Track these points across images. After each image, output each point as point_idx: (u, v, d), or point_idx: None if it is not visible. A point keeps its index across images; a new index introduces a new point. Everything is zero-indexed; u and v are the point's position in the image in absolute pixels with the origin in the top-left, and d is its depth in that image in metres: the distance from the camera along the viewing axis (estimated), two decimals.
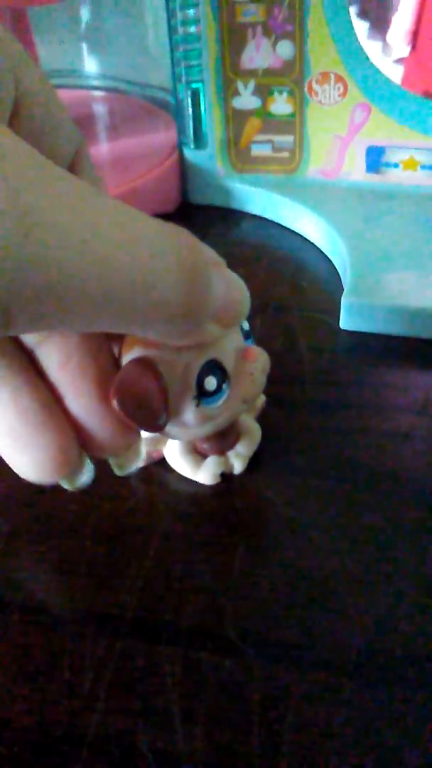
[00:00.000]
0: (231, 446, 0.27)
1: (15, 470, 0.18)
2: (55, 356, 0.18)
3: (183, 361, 0.19)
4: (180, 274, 0.15)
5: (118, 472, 0.20)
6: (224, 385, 0.21)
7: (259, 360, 0.22)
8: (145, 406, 0.18)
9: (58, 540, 0.26)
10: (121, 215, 0.14)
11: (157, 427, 0.19)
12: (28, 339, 0.18)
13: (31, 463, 0.18)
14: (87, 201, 0.13)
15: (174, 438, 0.25)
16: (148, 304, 0.14)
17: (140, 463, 0.21)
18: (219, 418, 0.22)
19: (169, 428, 0.21)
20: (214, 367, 0.20)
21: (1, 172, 0.12)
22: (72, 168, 0.19)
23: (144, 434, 0.21)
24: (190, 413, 0.20)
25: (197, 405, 0.20)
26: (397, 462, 0.28)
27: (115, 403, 0.18)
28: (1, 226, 0.12)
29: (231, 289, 0.18)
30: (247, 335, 0.23)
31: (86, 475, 0.19)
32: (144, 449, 0.21)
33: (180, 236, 0.16)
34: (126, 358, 0.19)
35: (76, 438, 0.18)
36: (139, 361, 0.19)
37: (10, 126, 0.16)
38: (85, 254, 0.13)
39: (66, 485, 0.19)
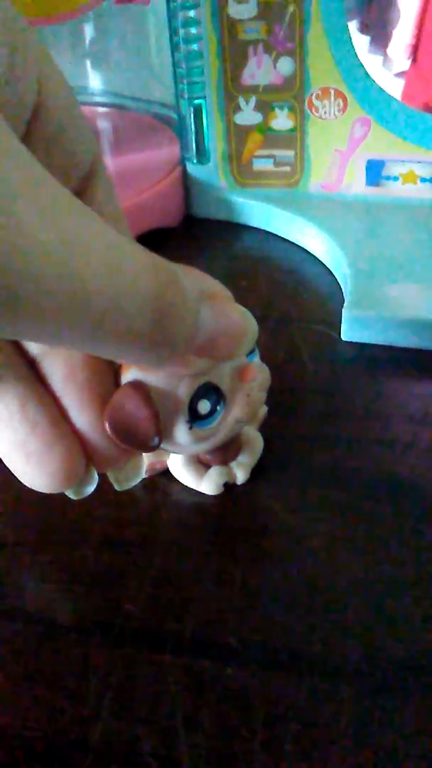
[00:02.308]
0: (233, 456, 0.28)
1: (23, 481, 0.18)
2: (60, 369, 0.18)
3: (175, 386, 0.19)
4: (154, 305, 0.15)
5: (117, 486, 0.21)
6: (219, 407, 0.21)
7: (258, 379, 0.22)
8: (135, 430, 0.19)
9: (62, 550, 0.26)
10: (104, 237, 0.14)
11: (149, 448, 0.20)
12: (33, 349, 0.18)
13: (42, 475, 0.18)
14: (74, 218, 0.13)
15: (173, 453, 0.25)
16: (119, 329, 0.14)
17: (140, 478, 0.21)
18: (215, 437, 0.22)
19: (164, 446, 0.21)
20: (209, 389, 0.20)
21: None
22: (89, 176, 0.19)
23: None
24: (182, 435, 0.20)
25: (190, 428, 0.20)
26: (398, 471, 0.28)
27: (107, 426, 0.18)
28: None
29: (225, 326, 0.18)
30: (250, 351, 0.22)
31: (91, 486, 0.20)
32: (144, 465, 0.21)
33: (160, 271, 0.15)
34: (123, 379, 0.19)
35: (82, 450, 0.18)
36: (131, 386, 0.19)
37: (29, 130, 0.17)
38: (63, 270, 0.13)
39: (72, 495, 0.19)
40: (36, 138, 0.17)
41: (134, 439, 0.19)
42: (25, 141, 0.17)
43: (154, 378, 0.19)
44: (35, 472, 0.18)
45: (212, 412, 0.21)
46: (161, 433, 0.19)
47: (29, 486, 0.18)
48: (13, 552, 0.26)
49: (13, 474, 0.18)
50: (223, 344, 0.18)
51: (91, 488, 0.20)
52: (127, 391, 0.19)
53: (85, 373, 0.18)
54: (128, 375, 0.19)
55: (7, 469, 0.18)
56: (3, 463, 0.18)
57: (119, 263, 0.14)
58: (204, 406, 0.20)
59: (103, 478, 0.20)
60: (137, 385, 0.19)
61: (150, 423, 0.19)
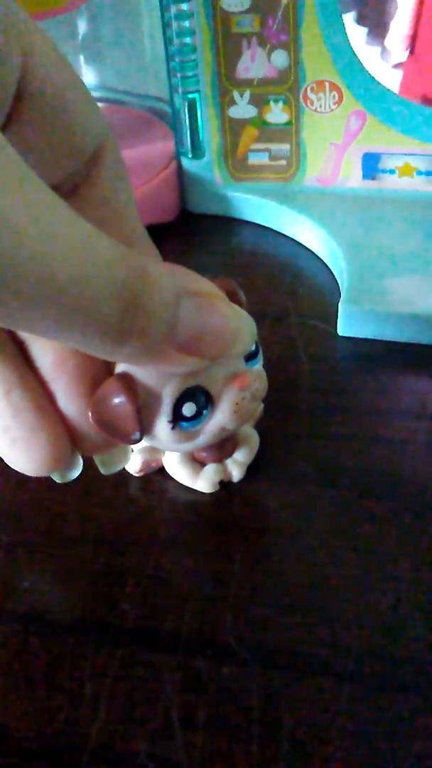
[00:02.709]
0: (229, 454, 0.28)
1: (9, 464, 0.19)
2: (50, 354, 0.18)
3: (163, 383, 0.19)
4: (121, 295, 0.15)
5: (102, 470, 0.21)
6: (205, 411, 0.20)
7: (252, 388, 0.21)
8: (117, 424, 0.19)
9: (59, 549, 0.26)
10: (79, 228, 0.14)
11: (131, 441, 0.20)
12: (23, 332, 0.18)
13: (27, 460, 0.18)
14: (50, 207, 0.13)
15: (162, 449, 0.25)
16: (85, 318, 0.14)
17: (126, 462, 0.21)
18: (198, 439, 0.21)
19: (147, 441, 0.21)
20: (198, 392, 0.20)
21: None
22: (94, 160, 0.18)
23: (142, 443, 0.21)
24: (164, 434, 0.20)
25: (172, 428, 0.20)
26: (396, 467, 0.28)
27: (90, 417, 0.18)
28: None
29: (213, 321, 0.17)
30: (253, 355, 0.22)
31: (76, 470, 0.20)
32: (130, 450, 0.21)
33: (130, 262, 0.15)
34: (115, 371, 0.19)
35: (68, 436, 0.19)
36: (118, 378, 0.19)
37: (14, 109, 0.16)
38: (37, 255, 0.13)
39: (57, 479, 0.20)
40: (23, 120, 0.16)
41: (116, 432, 0.19)
42: (9, 124, 0.16)
43: (142, 373, 0.19)
44: (20, 457, 0.18)
45: (197, 415, 0.20)
46: (143, 429, 0.19)
47: (15, 468, 0.19)
48: (9, 552, 0.26)
49: (6, 474, 0.18)
50: (210, 342, 0.17)
51: (76, 473, 0.20)
52: (113, 384, 0.19)
53: (76, 360, 0.18)
54: (119, 368, 0.19)
55: (2, 469, 0.19)
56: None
57: (90, 252, 0.14)
58: (189, 409, 0.20)
59: (99, 479, 0.20)
60: (124, 378, 0.19)
61: (132, 418, 0.19)
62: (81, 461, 0.20)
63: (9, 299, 0.13)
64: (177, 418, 0.20)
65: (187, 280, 0.17)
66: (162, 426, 0.20)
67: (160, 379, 0.19)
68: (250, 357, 0.21)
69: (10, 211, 0.13)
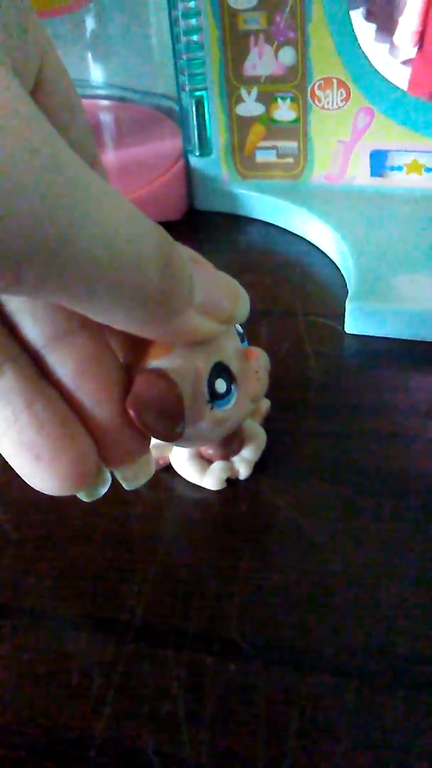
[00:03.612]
0: (236, 451, 0.28)
1: (31, 483, 0.18)
2: (72, 363, 0.18)
3: (192, 368, 0.20)
4: (160, 256, 0.16)
5: (126, 486, 0.20)
6: (233, 387, 0.21)
7: (261, 357, 0.23)
8: (162, 415, 0.19)
9: (66, 546, 0.26)
10: (121, 197, 0.15)
11: (175, 435, 0.19)
12: (35, 339, 0.18)
13: (52, 477, 0.17)
14: (101, 183, 0.14)
15: (189, 446, 0.25)
16: (133, 279, 0.15)
17: (148, 477, 0.21)
18: (230, 420, 0.22)
19: (187, 434, 0.21)
20: (221, 369, 0.21)
21: (44, 135, 0.13)
22: None
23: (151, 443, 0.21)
24: (204, 419, 0.21)
25: (211, 408, 0.21)
26: (403, 465, 0.28)
27: (132, 414, 0.18)
28: (45, 181, 0.12)
29: (217, 282, 0.18)
30: (242, 338, 0.23)
31: (105, 486, 0.19)
32: (153, 462, 0.21)
33: (163, 233, 0.16)
34: (136, 370, 0.19)
35: (95, 450, 0.18)
36: (151, 371, 0.19)
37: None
38: (99, 220, 0.14)
39: (84, 497, 0.19)
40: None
41: (161, 424, 0.19)
42: None
43: (169, 362, 0.19)
44: (45, 475, 0.17)
45: (228, 392, 0.21)
46: (185, 418, 0.19)
47: (38, 489, 0.18)
48: (17, 550, 0.26)
49: (15, 473, 0.18)
50: (222, 301, 0.18)
51: (104, 489, 0.19)
52: (149, 376, 0.19)
53: (98, 366, 0.18)
54: (142, 365, 0.19)
55: (9, 467, 0.18)
56: (5, 462, 0.18)
57: (135, 216, 0.15)
58: (220, 385, 0.21)
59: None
60: (157, 371, 0.19)
61: (175, 404, 0.19)
62: (108, 477, 0.19)
63: (77, 270, 0.14)
64: (213, 397, 0.20)
65: (189, 250, 0.18)
66: (201, 410, 0.20)
67: (188, 362, 0.19)
68: (241, 339, 0.23)
69: (82, 187, 0.13)
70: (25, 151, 0.12)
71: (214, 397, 0.21)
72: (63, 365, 0.18)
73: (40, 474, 0.17)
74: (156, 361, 0.19)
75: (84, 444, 0.17)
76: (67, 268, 0.13)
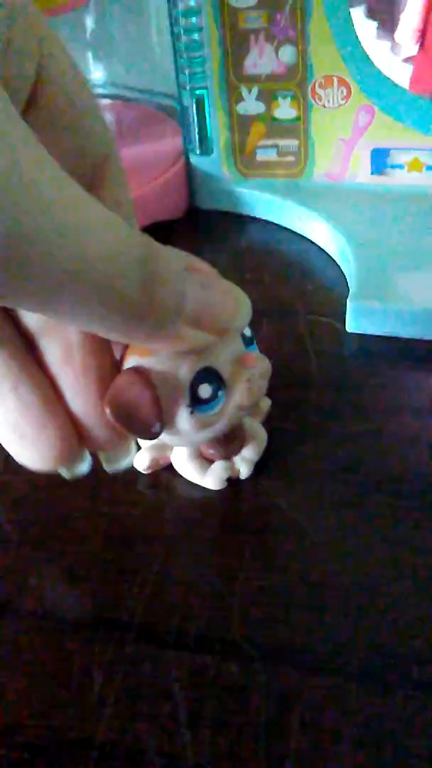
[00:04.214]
0: (237, 451, 0.27)
1: (16, 459, 0.19)
2: (58, 350, 0.18)
3: (175, 371, 0.20)
4: (140, 271, 0.15)
5: (107, 467, 0.21)
6: (220, 393, 0.21)
7: (258, 366, 0.22)
8: (136, 416, 0.19)
9: (67, 546, 0.26)
10: (100, 210, 0.15)
11: (151, 434, 0.20)
12: (30, 327, 0.18)
13: (34, 455, 0.18)
14: (74, 188, 0.14)
15: (173, 444, 0.25)
16: (109, 294, 0.15)
17: (131, 459, 0.21)
18: (216, 424, 0.22)
19: (166, 435, 0.21)
20: (209, 374, 0.20)
21: (6, 148, 0.12)
22: (98, 169, 0.19)
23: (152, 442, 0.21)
24: (184, 421, 0.21)
25: (191, 413, 0.20)
26: (404, 465, 0.28)
27: (108, 413, 0.18)
28: (5, 197, 0.12)
29: (214, 295, 0.18)
30: (249, 341, 0.23)
31: (84, 464, 0.20)
32: (134, 446, 0.21)
33: (145, 242, 0.16)
34: (124, 366, 0.19)
35: (75, 431, 0.19)
36: (132, 371, 0.19)
37: (25, 112, 0.17)
38: (68, 234, 0.13)
39: (65, 474, 0.20)
40: (39, 116, 0.17)
41: (135, 424, 0.19)
42: (25, 118, 0.17)
43: (154, 362, 0.19)
44: (28, 453, 0.18)
45: (213, 398, 0.21)
46: (162, 420, 0.19)
47: (23, 464, 0.19)
48: (17, 549, 0.26)
49: (15, 471, 0.18)
50: (215, 314, 0.18)
51: (84, 468, 0.20)
52: (128, 376, 0.19)
53: (82, 355, 0.18)
54: (129, 362, 0.19)
55: (10, 466, 0.19)
56: (5, 460, 0.18)
57: (112, 230, 0.15)
58: (205, 391, 0.20)
59: (106, 477, 0.20)
60: (138, 371, 0.19)
61: (151, 408, 0.19)
62: (89, 456, 0.20)
63: (41, 278, 0.13)
64: (194, 402, 0.20)
65: (186, 257, 0.18)
66: (181, 413, 0.20)
67: (173, 365, 0.19)
68: (248, 343, 0.22)
69: (42, 187, 0.13)
70: None
71: (196, 401, 0.20)
72: (51, 352, 0.18)
73: (24, 451, 0.18)
74: (141, 359, 0.19)
75: (64, 427, 0.18)
76: (31, 281, 0.13)
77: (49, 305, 0.14)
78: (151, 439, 0.20)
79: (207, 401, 0.21)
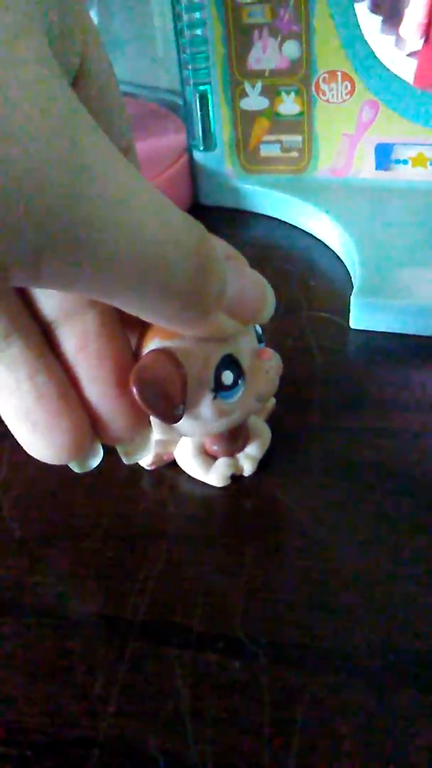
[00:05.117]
0: (241, 448, 0.27)
1: (28, 450, 0.18)
2: (74, 339, 0.18)
3: (201, 354, 0.20)
4: (192, 259, 0.15)
5: (125, 459, 0.21)
6: (240, 381, 0.21)
7: (274, 359, 0.23)
8: (163, 394, 0.19)
9: (70, 543, 0.26)
10: (155, 194, 0.15)
11: (173, 417, 0.19)
12: (48, 313, 0.18)
13: (47, 446, 0.18)
14: (131, 174, 0.14)
15: (188, 434, 0.25)
16: (161, 279, 0.15)
17: (148, 452, 0.21)
18: (234, 414, 0.22)
19: (183, 422, 0.21)
20: (231, 362, 0.21)
21: (69, 130, 0.13)
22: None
23: (156, 434, 0.21)
24: (206, 406, 0.21)
25: (214, 398, 0.21)
26: (408, 461, 0.28)
27: (134, 389, 0.18)
28: (61, 178, 0.12)
29: (248, 285, 0.18)
30: (259, 339, 0.23)
31: (96, 459, 0.20)
32: (153, 439, 0.21)
33: (198, 228, 0.16)
34: (146, 349, 0.19)
35: (89, 423, 0.19)
36: (160, 351, 0.19)
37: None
38: (124, 219, 0.13)
39: (76, 468, 0.20)
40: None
41: (160, 403, 0.19)
42: None
43: (179, 344, 0.19)
44: (40, 443, 0.18)
45: (234, 385, 0.21)
46: (186, 401, 0.19)
47: (34, 455, 0.19)
48: (21, 546, 0.26)
49: (19, 468, 0.18)
50: (249, 303, 0.18)
51: (95, 462, 0.20)
52: (156, 354, 0.19)
53: (98, 343, 0.18)
54: (152, 344, 0.19)
55: (14, 463, 0.18)
56: (9, 458, 0.18)
57: (167, 215, 0.15)
58: (227, 377, 0.21)
59: (110, 472, 0.20)
60: (166, 351, 0.19)
61: (178, 386, 0.19)
62: (101, 450, 0.20)
63: (101, 263, 0.13)
64: (218, 387, 0.20)
65: (223, 245, 0.18)
66: (204, 398, 0.20)
67: (199, 348, 0.19)
68: (259, 340, 0.23)
69: (101, 171, 0.13)
70: (52, 148, 0.12)
71: (219, 387, 0.21)
72: (67, 341, 0.18)
73: (36, 442, 0.18)
74: (167, 342, 0.19)
75: (79, 418, 0.18)
76: (87, 263, 0.13)
77: (105, 289, 0.14)
78: (171, 422, 0.20)
79: (228, 388, 0.21)
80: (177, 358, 0.19)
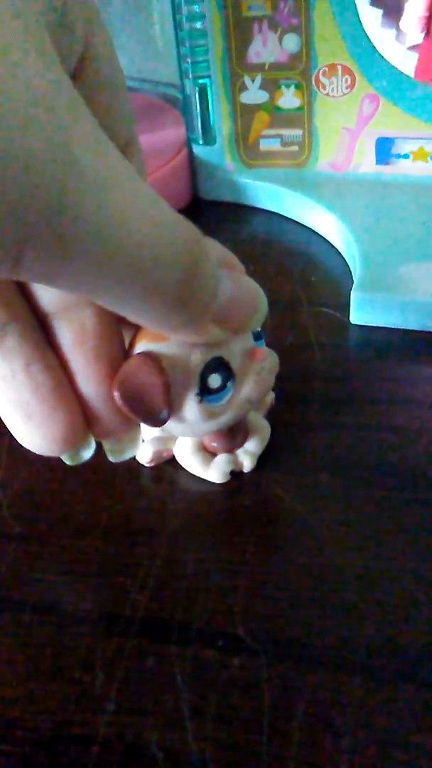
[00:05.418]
0: (240, 444, 0.27)
1: (21, 441, 0.18)
2: (71, 333, 0.18)
3: (187, 358, 0.19)
4: (184, 261, 0.15)
5: (111, 457, 0.21)
6: (229, 384, 0.21)
7: (267, 360, 0.22)
8: (146, 400, 0.19)
9: (70, 540, 0.26)
10: (147, 192, 0.15)
11: (157, 421, 0.19)
12: (46, 304, 0.18)
13: (41, 437, 0.18)
14: (122, 169, 0.14)
15: (178, 434, 0.25)
16: (149, 280, 0.15)
17: (135, 451, 0.21)
18: (223, 416, 0.21)
19: (171, 424, 0.21)
20: (219, 365, 0.20)
21: (60, 121, 0.12)
22: (125, 149, 0.19)
23: (152, 430, 0.21)
24: (192, 410, 0.20)
25: (199, 402, 0.20)
26: (407, 457, 0.28)
27: (116, 396, 0.18)
28: (48, 171, 0.12)
29: (240, 293, 0.18)
30: (258, 336, 0.23)
31: (88, 452, 0.20)
32: (140, 438, 0.21)
33: (191, 229, 0.16)
34: (134, 350, 0.19)
35: (83, 416, 0.19)
36: (144, 356, 0.19)
37: (75, 81, 0.16)
38: (112, 215, 0.13)
39: (68, 460, 0.19)
40: (81, 90, 0.17)
41: (143, 409, 0.19)
42: None
43: (166, 348, 0.19)
44: (34, 434, 0.18)
45: (222, 388, 0.21)
46: (171, 406, 0.19)
47: (27, 446, 0.19)
48: (20, 543, 0.26)
49: (18, 465, 0.18)
50: (239, 313, 0.18)
51: (87, 454, 0.20)
52: (140, 360, 0.19)
53: (95, 340, 0.18)
54: (139, 346, 0.19)
55: (13, 460, 0.18)
56: (8, 454, 0.18)
57: (159, 214, 0.15)
58: (214, 381, 0.20)
59: (110, 469, 0.20)
60: (149, 355, 0.19)
61: (161, 394, 0.19)
62: (93, 443, 0.20)
63: (85, 259, 0.13)
64: (203, 391, 0.20)
65: (219, 250, 0.18)
66: (189, 402, 0.20)
67: (185, 352, 0.19)
68: (256, 338, 0.23)
69: (92, 164, 0.13)
70: (39, 139, 0.12)
71: (205, 391, 0.20)
72: (63, 335, 0.18)
73: (30, 433, 0.18)
74: (152, 345, 0.19)
75: (73, 411, 0.18)
76: (70, 258, 0.13)
77: (89, 286, 0.14)
78: (157, 426, 0.20)
79: (216, 391, 0.21)
80: (160, 365, 0.19)
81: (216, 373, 0.20)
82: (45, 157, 0.12)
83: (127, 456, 0.21)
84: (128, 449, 0.21)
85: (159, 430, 0.21)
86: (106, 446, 0.20)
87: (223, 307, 0.17)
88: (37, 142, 0.12)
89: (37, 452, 0.19)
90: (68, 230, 0.13)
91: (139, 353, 0.19)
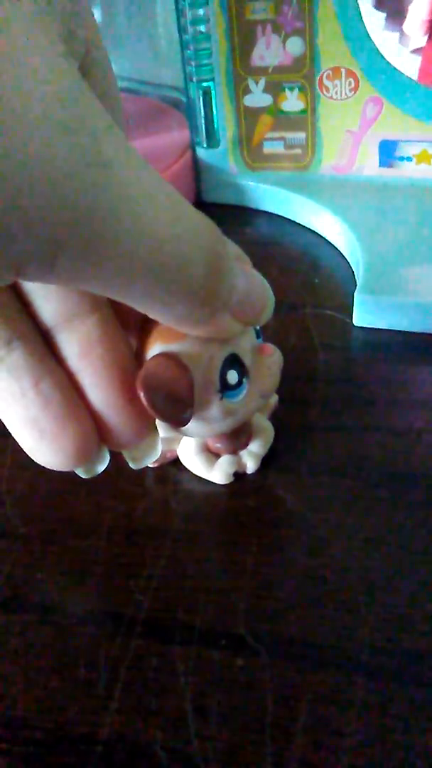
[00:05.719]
0: (244, 445, 0.27)
1: (33, 457, 0.18)
2: (76, 345, 0.18)
3: (205, 355, 0.20)
4: (207, 258, 0.16)
5: (132, 465, 0.21)
6: (244, 380, 0.21)
7: (275, 355, 0.23)
8: (172, 398, 0.19)
9: (73, 541, 0.26)
10: (171, 191, 0.15)
11: (182, 420, 0.19)
12: (48, 318, 0.18)
13: (54, 453, 0.18)
14: (148, 170, 0.14)
15: (195, 435, 0.25)
16: (176, 277, 0.15)
17: (156, 456, 0.21)
18: (239, 412, 0.22)
19: (190, 424, 0.21)
20: (234, 361, 0.21)
21: (89, 124, 0.13)
22: None
23: (160, 432, 0.21)
24: (214, 407, 0.21)
25: (220, 398, 0.21)
26: (410, 459, 0.28)
27: (142, 396, 0.18)
28: (82, 173, 0.12)
29: (253, 286, 0.18)
30: (257, 334, 0.23)
31: (103, 464, 0.20)
32: (160, 443, 0.21)
33: (211, 225, 0.16)
34: (149, 353, 0.19)
35: (96, 429, 0.18)
36: (165, 355, 0.19)
37: None
38: (141, 215, 0.14)
39: (83, 474, 0.19)
40: None
41: (170, 407, 0.19)
42: None
43: (183, 347, 0.19)
44: (47, 450, 0.18)
45: (239, 384, 0.21)
46: (194, 404, 0.19)
47: (40, 462, 0.18)
48: (24, 543, 0.26)
49: (22, 465, 0.18)
50: (253, 306, 0.18)
51: (101, 467, 0.20)
52: (162, 359, 0.19)
53: (102, 348, 0.18)
54: (155, 348, 0.19)
55: (17, 461, 0.18)
56: (12, 455, 0.18)
57: (183, 212, 0.15)
58: (232, 377, 0.21)
59: (113, 470, 0.20)
60: (171, 354, 0.19)
61: (186, 390, 0.19)
62: (107, 455, 0.20)
63: (116, 261, 0.14)
64: (223, 388, 0.20)
65: (232, 245, 0.18)
66: (211, 398, 0.20)
67: (202, 351, 0.19)
68: (257, 335, 0.23)
69: (120, 169, 0.13)
70: (72, 141, 0.12)
71: (225, 387, 0.21)
72: (69, 346, 0.18)
73: (43, 449, 0.18)
74: (170, 345, 0.19)
75: (85, 424, 0.18)
76: (104, 259, 0.13)
77: (118, 287, 0.14)
78: (179, 426, 0.20)
79: (234, 387, 0.21)
80: (182, 362, 0.19)
81: (233, 370, 0.21)
82: (79, 160, 0.12)
83: (148, 462, 0.21)
84: (148, 455, 0.21)
85: (163, 431, 0.21)
86: (126, 454, 0.20)
87: (239, 301, 0.18)
88: (69, 145, 0.12)
89: (50, 468, 0.18)
90: (102, 231, 0.13)
91: (159, 353, 0.19)
